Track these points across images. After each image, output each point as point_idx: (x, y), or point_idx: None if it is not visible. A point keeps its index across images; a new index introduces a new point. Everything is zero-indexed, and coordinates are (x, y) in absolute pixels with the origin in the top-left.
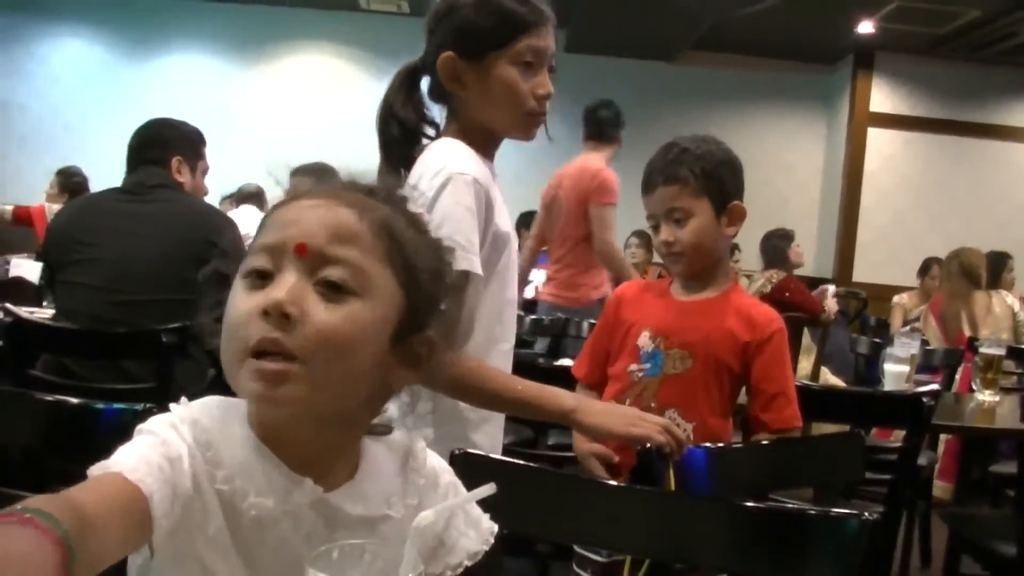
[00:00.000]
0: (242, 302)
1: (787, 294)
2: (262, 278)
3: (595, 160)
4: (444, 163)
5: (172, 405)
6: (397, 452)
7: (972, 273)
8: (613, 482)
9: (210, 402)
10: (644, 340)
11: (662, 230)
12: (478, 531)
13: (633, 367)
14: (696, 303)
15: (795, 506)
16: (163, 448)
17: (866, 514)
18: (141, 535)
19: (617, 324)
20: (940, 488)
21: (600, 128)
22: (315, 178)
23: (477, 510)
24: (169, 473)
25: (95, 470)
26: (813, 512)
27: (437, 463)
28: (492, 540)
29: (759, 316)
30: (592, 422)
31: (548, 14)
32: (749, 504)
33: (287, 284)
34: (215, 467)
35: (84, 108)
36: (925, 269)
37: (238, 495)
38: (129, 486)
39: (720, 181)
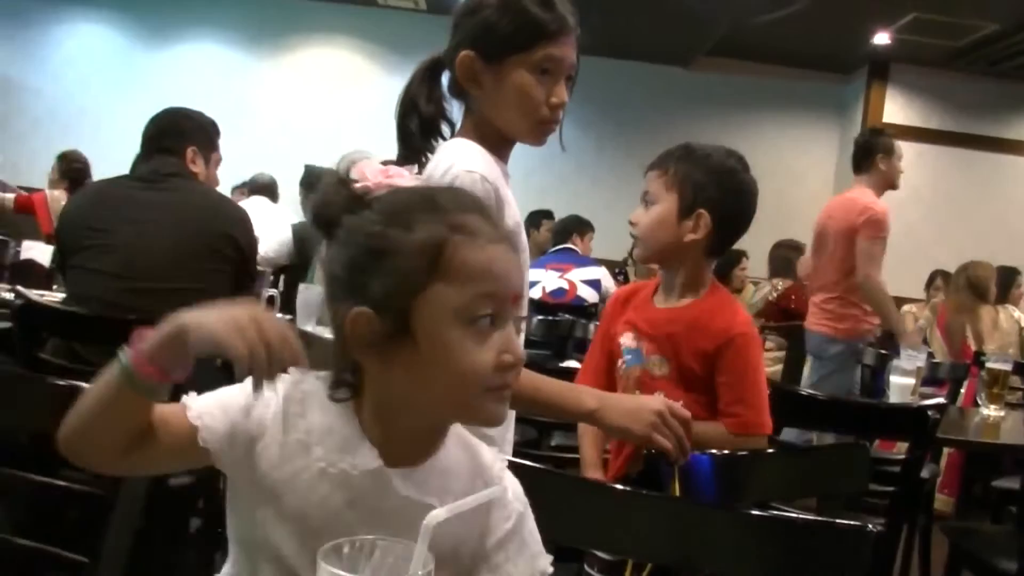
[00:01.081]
0: (483, 352)
1: (792, 303)
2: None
3: (866, 194)
4: (453, 161)
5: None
6: (475, 462)
7: (979, 287)
8: (619, 486)
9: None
10: (627, 339)
11: (636, 209)
12: (529, 565)
13: (619, 363)
14: (670, 312)
15: (799, 516)
16: (243, 398)
17: (870, 526)
18: (194, 456)
19: (610, 331)
20: (941, 501)
21: (870, 158)
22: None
23: (538, 545)
24: (235, 415)
25: (187, 399)
26: (817, 522)
27: (513, 486)
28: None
29: (717, 323)
30: (614, 424)
31: (572, 24)
32: (754, 512)
33: (514, 337)
34: (299, 418)
35: (98, 93)
36: (931, 281)
37: (312, 446)
38: (186, 423)
39: (699, 187)
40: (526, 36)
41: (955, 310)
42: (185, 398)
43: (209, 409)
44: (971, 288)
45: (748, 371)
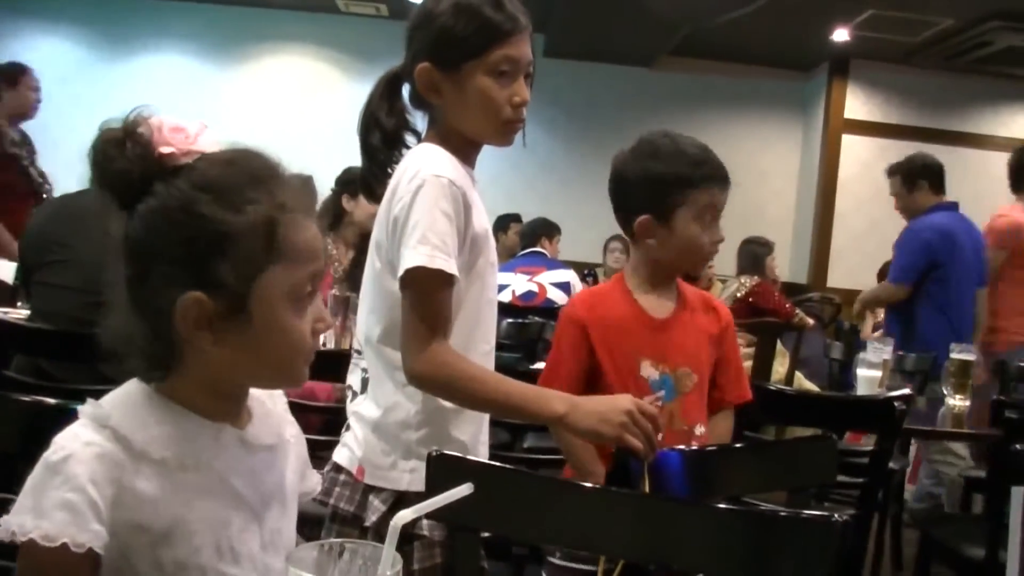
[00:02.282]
0: (304, 323)
1: (761, 299)
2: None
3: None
4: (420, 166)
5: (73, 428)
6: (270, 403)
7: None
8: (588, 484)
9: (117, 399)
10: (648, 371)
11: None
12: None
13: (649, 399)
14: (673, 320)
15: (767, 508)
16: (81, 491)
17: (836, 516)
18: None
19: (595, 351)
20: (911, 492)
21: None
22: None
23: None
24: (91, 502)
25: (24, 535)
26: (784, 514)
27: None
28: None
29: (717, 304)
30: (584, 427)
31: (524, 22)
32: (722, 507)
33: (321, 303)
34: (147, 447)
35: (60, 107)
36: (884, 273)
37: (175, 459)
38: (70, 554)
39: (622, 202)
40: (480, 40)
41: None
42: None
43: (61, 525)
44: None
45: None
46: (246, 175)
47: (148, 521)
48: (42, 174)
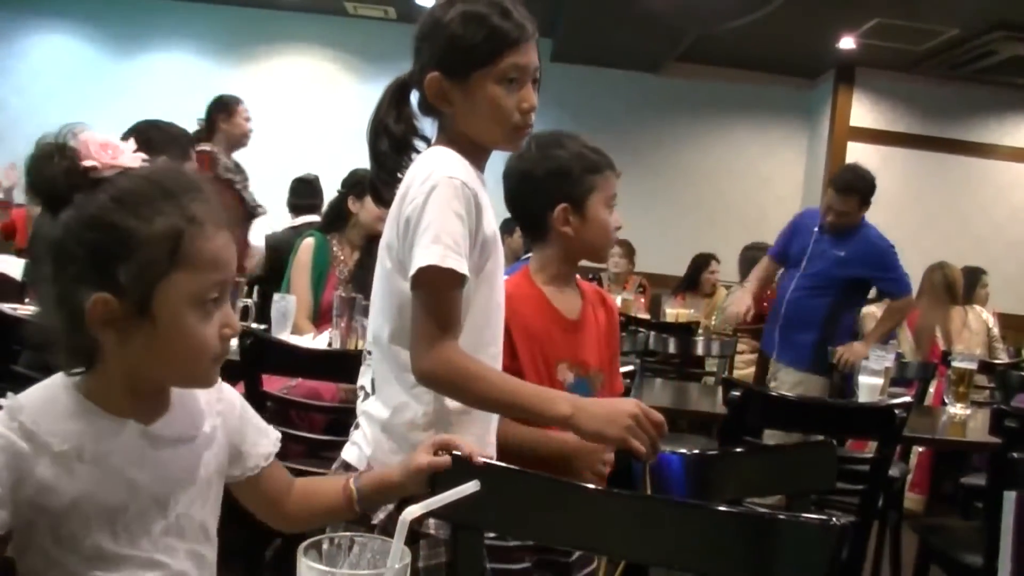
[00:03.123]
0: (210, 327)
1: (764, 305)
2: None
3: None
4: (432, 168)
5: (2, 411)
6: (201, 396)
7: (954, 287)
8: (590, 485)
9: (36, 393)
10: (564, 374)
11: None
12: (268, 438)
13: None
14: (582, 320)
15: (766, 511)
16: None
17: (834, 519)
18: None
19: (517, 353)
20: (912, 500)
21: None
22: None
23: (262, 423)
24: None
25: None
26: (783, 517)
27: (230, 392)
28: (279, 444)
29: (607, 296)
30: (589, 428)
31: (531, 30)
32: (721, 508)
33: (231, 311)
34: (49, 439)
35: (66, 106)
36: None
37: (74, 451)
38: None
39: (531, 190)
40: (489, 49)
41: (930, 309)
42: None
43: None
44: (947, 288)
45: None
46: (159, 189)
47: (47, 503)
48: (254, 199)
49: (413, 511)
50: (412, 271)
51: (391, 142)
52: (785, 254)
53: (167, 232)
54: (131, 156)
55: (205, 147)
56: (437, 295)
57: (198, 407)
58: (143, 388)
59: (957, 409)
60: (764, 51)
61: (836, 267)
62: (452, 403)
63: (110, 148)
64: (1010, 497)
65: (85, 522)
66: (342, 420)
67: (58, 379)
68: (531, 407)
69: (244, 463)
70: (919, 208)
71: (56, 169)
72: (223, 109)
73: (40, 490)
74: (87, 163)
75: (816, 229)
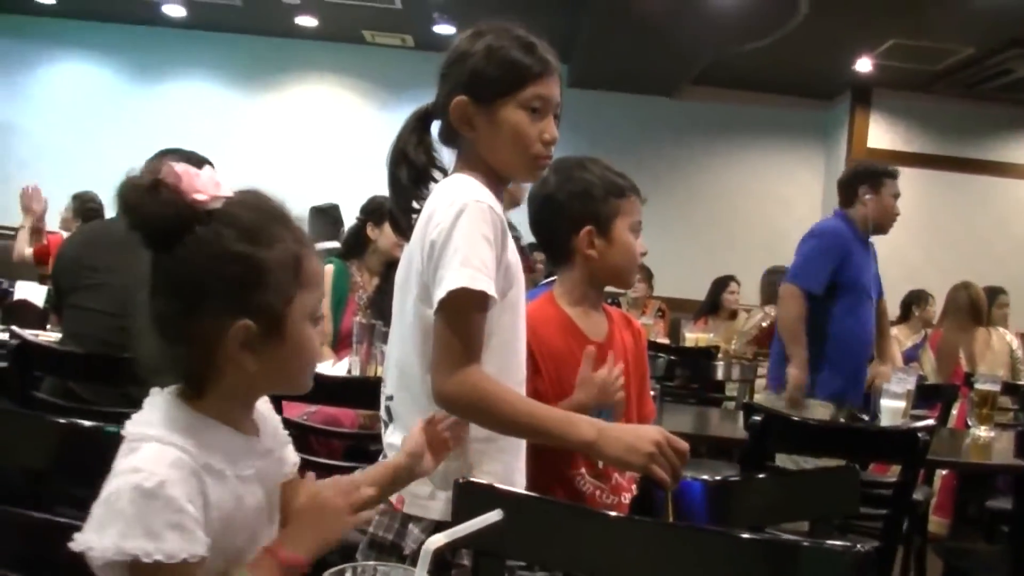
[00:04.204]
0: (315, 336)
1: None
2: None
3: None
4: (458, 193)
5: (150, 451)
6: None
7: (979, 308)
8: (612, 513)
9: (162, 420)
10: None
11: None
12: (290, 445)
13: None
14: (608, 343)
15: (790, 538)
16: (181, 511)
17: (859, 546)
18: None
19: (540, 374)
20: (936, 523)
21: None
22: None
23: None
24: (194, 518)
25: (148, 557)
26: (807, 544)
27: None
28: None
29: (633, 320)
30: (612, 455)
31: (554, 64)
32: (745, 535)
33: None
34: (209, 459)
35: (87, 134)
36: (908, 303)
37: (228, 468)
38: (189, 565)
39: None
40: (513, 78)
41: (956, 330)
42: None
43: (178, 543)
44: (971, 309)
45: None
46: (270, 216)
47: (213, 519)
48: None
49: (437, 540)
50: (440, 294)
51: (410, 171)
52: (834, 284)
53: (290, 256)
54: (226, 185)
55: None
56: (465, 317)
57: (271, 415)
58: (250, 403)
59: (981, 431)
60: (780, 73)
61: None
62: (477, 431)
63: (210, 179)
64: None
65: (234, 536)
66: (362, 447)
67: (166, 403)
68: (555, 431)
69: (281, 468)
70: (938, 228)
71: (162, 205)
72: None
73: (210, 510)
74: (197, 196)
75: (862, 242)
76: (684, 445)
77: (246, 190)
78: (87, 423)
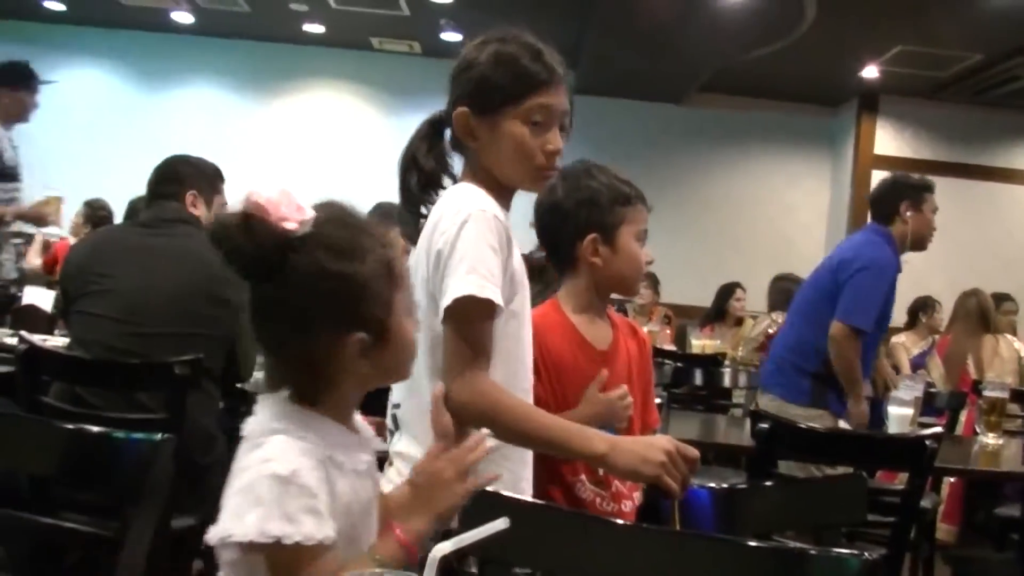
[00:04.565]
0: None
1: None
2: None
3: None
4: (462, 202)
5: (279, 442)
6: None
7: (988, 315)
8: (620, 520)
9: (285, 417)
10: None
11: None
12: None
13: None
14: (612, 350)
15: (797, 546)
16: (315, 496)
17: (866, 554)
18: None
19: (542, 380)
20: (944, 531)
21: None
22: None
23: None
24: (325, 504)
25: (289, 539)
26: (815, 552)
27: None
28: None
29: (639, 328)
30: (624, 467)
31: (560, 74)
32: (753, 543)
33: None
34: (332, 452)
35: (96, 141)
36: (915, 310)
37: (348, 463)
38: (323, 547)
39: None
40: (516, 88)
41: (964, 336)
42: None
43: (314, 527)
44: (981, 315)
45: None
46: (355, 229)
47: (335, 508)
48: None
49: (444, 547)
50: (446, 302)
51: (419, 176)
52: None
53: (382, 264)
54: (306, 205)
55: None
56: (472, 325)
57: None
58: (360, 401)
59: (989, 439)
60: (786, 80)
61: None
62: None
63: (293, 204)
64: None
65: (351, 524)
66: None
67: (285, 405)
68: (565, 443)
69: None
70: (945, 234)
71: (257, 240)
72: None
73: (335, 496)
74: (287, 224)
75: (897, 265)
76: (695, 453)
77: (324, 204)
78: (94, 428)
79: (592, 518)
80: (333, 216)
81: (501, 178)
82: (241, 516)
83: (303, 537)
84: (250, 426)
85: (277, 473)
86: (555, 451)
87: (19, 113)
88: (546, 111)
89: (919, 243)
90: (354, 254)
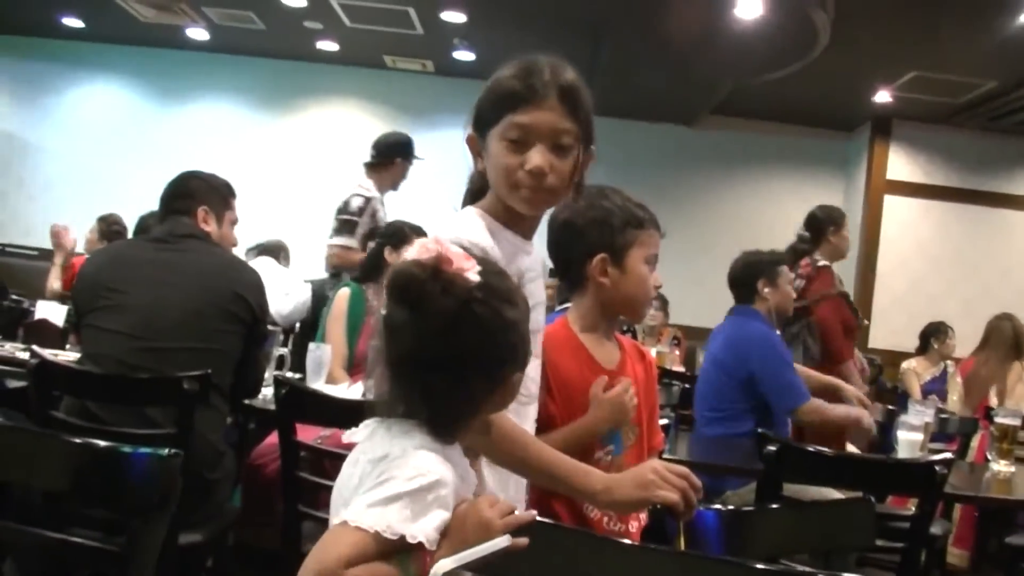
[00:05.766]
0: None
1: None
2: None
3: None
4: (442, 229)
5: (422, 454)
6: None
7: (1021, 340)
8: (627, 541)
9: (426, 444)
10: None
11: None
12: None
13: (599, 454)
14: (619, 371)
15: (807, 570)
16: (447, 508)
17: None
18: None
19: (550, 399)
20: (955, 556)
21: None
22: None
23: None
24: (446, 519)
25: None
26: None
27: None
28: None
29: (646, 352)
30: (622, 500)
31: (543, 92)
32: (760, 566)
33: None
34: (459, 484)
35: (112, 156)
36: (927, 335)
37: (459, 486)
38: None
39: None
40: (496, 108)
41: (992, 361)
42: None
43: (435, 534)
44: (1015, 341)
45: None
46: (506, 276)
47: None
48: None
49: (445, 564)
50: None
51: (468, 192)
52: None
53: (524, 304)
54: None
55: (822, 261)
56: None
57: None
58: None
59: (1000, 466)
60: (799, 103)
61: None
62: (484, 460)
63: (462, 254)
64: None
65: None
66: None
67: (420, 430)
68: (565, 480)
69: None
70: (959, 260)
71: (449, 294)
72: (833, 222)
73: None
74: (470, 276)
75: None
76: (683, 469)
77: (470, 246)
78: (101, 443)
79: (596, 537)
80: (488, 264)
81: (500, 199)
82: (381, 510)
83: (428, 542)
84: (392, 445)
85: (421, 481)
86: (551, 484)
87: (398, 181)
88: (521, 129)
89: (782, 315)
90: (515, 300)
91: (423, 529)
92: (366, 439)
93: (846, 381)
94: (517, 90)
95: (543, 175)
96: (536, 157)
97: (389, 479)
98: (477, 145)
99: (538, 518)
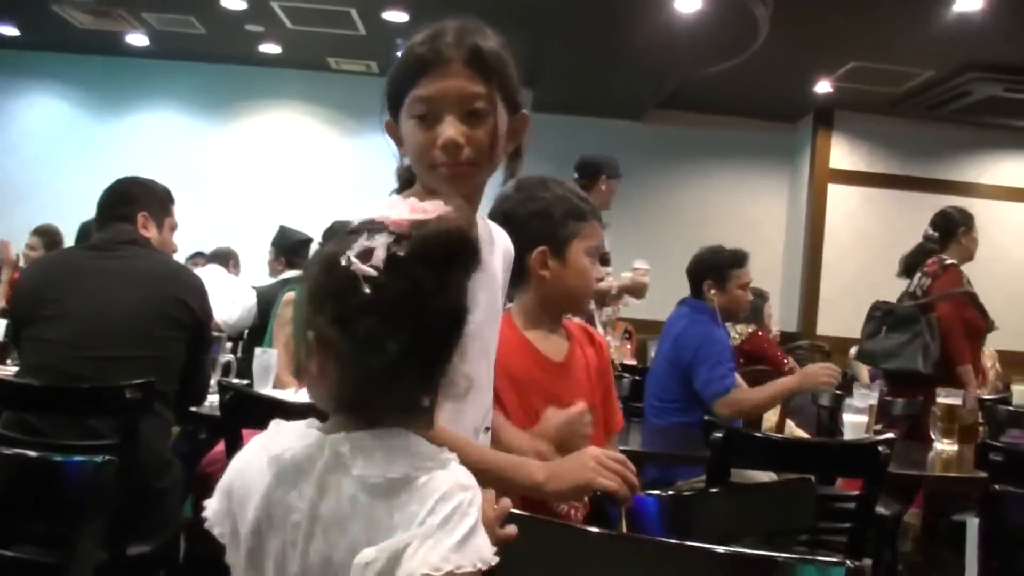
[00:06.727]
0: None
1: (755, 347)
2: None
3: None
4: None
5: (454, 466)
6: None
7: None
8: (597, 529)
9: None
10: None
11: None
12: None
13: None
14: (568, 361)
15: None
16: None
17: (849, 562)
18: None
19: (500, 398)
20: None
21: None
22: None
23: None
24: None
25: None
26: (800, 559)
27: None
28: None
29: (595, 334)
30: (564, 488)
31: (447, 56)
32: (736, 550)
33: None
34: None
35: (54, 165)
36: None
37: None
38: None
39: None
40: (401, 84)
41: None
42: None
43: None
44: None
45: None
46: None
47: None
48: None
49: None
50: None
51: (398, 180)
52: None
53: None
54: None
55: (949, 260)
56: None
57: None
58: None
59: (944, 445)
60: (744, 96)
61: None
62: None
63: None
64: (973, 524)
65: None
66: None
67: (400, 434)
68: (504, 475)
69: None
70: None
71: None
72: (964, 223)
73: None
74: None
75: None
76: (619, 456)
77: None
78: (32, 453)
79: (570, 527)
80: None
81: (424, 184)
82: (463, 544)
83: (484, 564)
84: (413, 461)
85: (462, 501)
86: (494, 484)
87: (610, 200)
88: (426, 102)
89: (731, 317)
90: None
91: (489, 546)
92: (334, 460)
93: (963, 387)
94: (419, 59)
95: (458, 147)
96: (447, 129)
97: (451, 514)
98: (396, 131)
99: (515, 511)
